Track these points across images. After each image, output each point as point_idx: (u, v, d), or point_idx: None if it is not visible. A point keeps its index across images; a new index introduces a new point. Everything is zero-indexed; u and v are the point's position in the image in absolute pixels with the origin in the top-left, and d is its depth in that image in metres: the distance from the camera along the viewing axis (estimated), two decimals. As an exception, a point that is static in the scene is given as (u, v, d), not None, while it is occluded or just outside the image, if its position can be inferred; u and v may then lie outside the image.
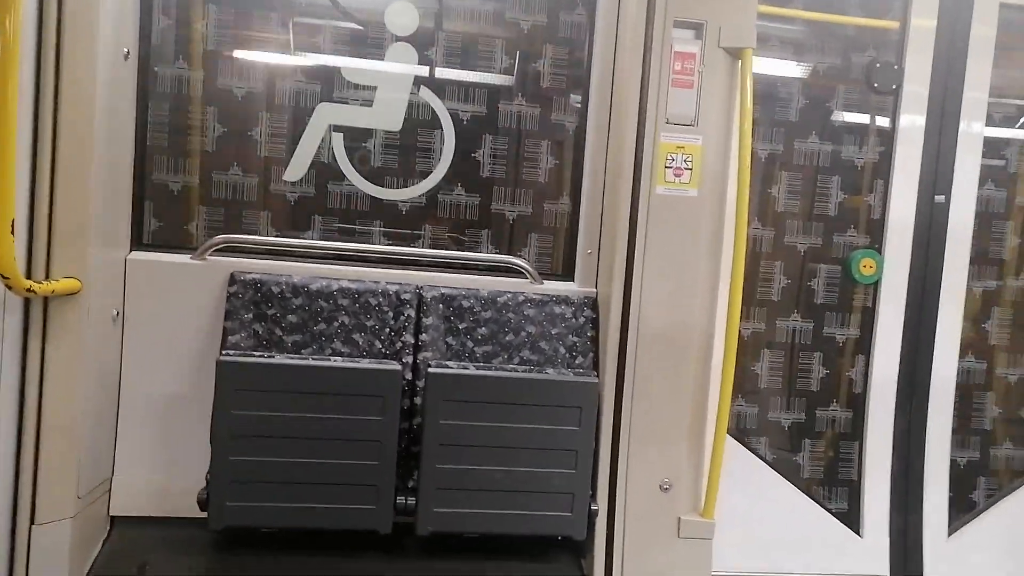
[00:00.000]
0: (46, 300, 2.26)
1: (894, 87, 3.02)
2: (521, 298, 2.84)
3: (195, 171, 2.82)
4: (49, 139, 2.24)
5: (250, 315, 2.67)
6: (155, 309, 2.68)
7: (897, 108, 3.03)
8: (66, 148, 2.26)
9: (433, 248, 2.95)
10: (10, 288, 1.99)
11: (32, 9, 2.15)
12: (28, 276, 2.21)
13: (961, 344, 3.11)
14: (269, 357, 2.50)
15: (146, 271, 2.68)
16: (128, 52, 2.60)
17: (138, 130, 2.72)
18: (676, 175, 2.66)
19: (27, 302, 2.24)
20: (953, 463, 3.13)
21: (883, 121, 3.08)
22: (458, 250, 2.96)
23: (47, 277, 2.27)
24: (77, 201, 2.29)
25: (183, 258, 2.72)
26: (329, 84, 2.87)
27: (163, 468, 2.70)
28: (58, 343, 2.28)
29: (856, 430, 3.10)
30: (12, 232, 1.91)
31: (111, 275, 2.58)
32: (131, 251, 2.71)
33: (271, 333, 2.68)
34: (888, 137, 3.05)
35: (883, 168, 3.06)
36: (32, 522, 2.29)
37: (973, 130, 3.04)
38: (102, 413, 2.57)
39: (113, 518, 2.67)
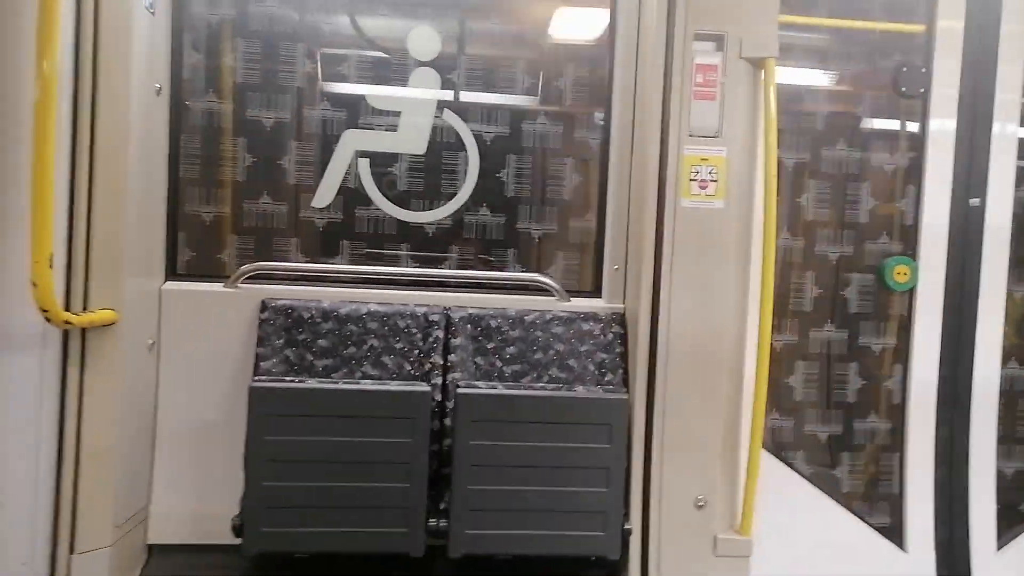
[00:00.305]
0: (84, 331, 2.33)
1: (922, 91, 2.97)
2: (549, 316, 2.84)
3: (226, 201, 2.88)
4: (85, 174, 2.31)
5: (282, 341, 2.71)
6: (189, 337, 2.74)
7: (927, 112, 2.97)
8: (101, 182, 2.33)
9: (460, 269, 2.97)
10: (49, 320, 2.05)
11: (68, 50, 2.23)
12: (66, 308, 2.27)
13: (1004, 350, 3.02)
14: (300, 382, 2.53)
15: (180, 300, 2.74)
16: (160, 88, 2.68)
17: (171, 163, 2.79)
18: (701, 187, 2.64)
19: (65, 333, 2.30)
20: (999, 474, 3.03)
21: (913, 126, 3.02)
22: (485, 270, 2.98)
23: (85, 308, 2.33)
24: (113, 234, 2.36)
25: (216, 287, 2.78)
26: (355, 111, 2.92)
27: (198, 495, 2.74)
28: (96, 373, 2.34)
29: (896, 441, 3.02)
30: (51, 266, 1.98)
31: (146, 305, 2.64)
32: (165, 281, 2.78)
33: (302, 358, 2.71)
34: (919, 142, 3.00)
35: (914, 173, 3.00)
36: (72, 551, 2.33)
37: (1007, 131, 2.96)
38: (138, 441, 2.62)
39: (150, 546, 2.71)
